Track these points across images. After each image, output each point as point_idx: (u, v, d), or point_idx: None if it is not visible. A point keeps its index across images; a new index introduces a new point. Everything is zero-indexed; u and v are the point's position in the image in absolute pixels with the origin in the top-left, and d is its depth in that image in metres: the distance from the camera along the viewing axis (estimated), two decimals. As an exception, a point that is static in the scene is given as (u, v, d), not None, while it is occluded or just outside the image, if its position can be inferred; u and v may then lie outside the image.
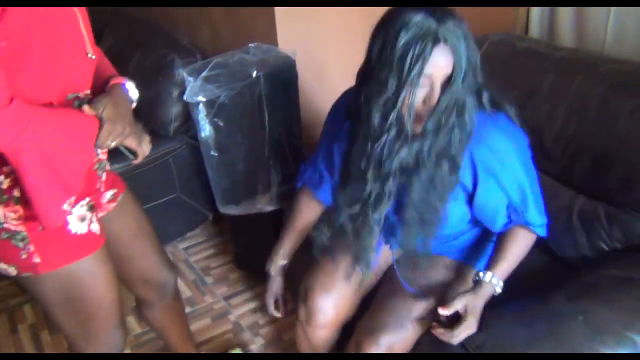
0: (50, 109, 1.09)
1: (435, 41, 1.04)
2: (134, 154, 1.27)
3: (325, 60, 2.21)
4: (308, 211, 1.55)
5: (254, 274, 2.34)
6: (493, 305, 1.27)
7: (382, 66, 1.07)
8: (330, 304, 1.45)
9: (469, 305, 1.23)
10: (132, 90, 1.29)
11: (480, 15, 2.16)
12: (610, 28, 1.75)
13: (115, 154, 1.26)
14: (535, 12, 1.93)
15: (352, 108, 1.23)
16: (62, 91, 1.13)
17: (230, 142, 1.99)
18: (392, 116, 1.09)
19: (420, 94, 1.08)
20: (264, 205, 2.08)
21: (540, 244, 1.39)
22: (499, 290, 1.27)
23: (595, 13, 1.76)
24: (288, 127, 2.04)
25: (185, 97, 1.92)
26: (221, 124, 1.93)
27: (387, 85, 1.07)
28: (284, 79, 1.97)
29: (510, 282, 1.29)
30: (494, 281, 1.26)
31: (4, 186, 1.10)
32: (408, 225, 1.27)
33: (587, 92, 1.51)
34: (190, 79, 1.91)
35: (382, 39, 1.08)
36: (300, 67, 2.02)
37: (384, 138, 1.12)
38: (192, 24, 2.65)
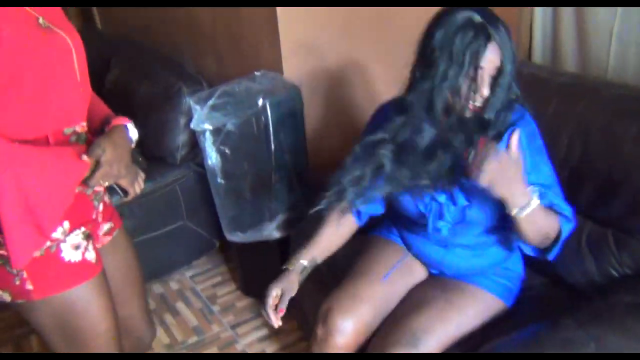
0: (40, 148, 1.10)
1: (488, 39, 1.18)
2: (126, 191, 1.30)
3: (330, 88, 2.23)
4: (341, 227, 1.52)
5: (261, 302, 2.32)
6: (503, 331, 1.26)
7: (442, 60, 1.20)
8: (350, 326, 1.45)
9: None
10: (132, 130, 1.31)
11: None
12: (613, 53, 1.76)
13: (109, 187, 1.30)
14: (538, 37, 1.95)
15: (407, 102, 1.31)
16: (57, 125, 1.15)
17: (236, 170, 2.00)
18: (454, 101, 1.23)
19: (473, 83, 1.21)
20: (271, 232, 2.08)
21: (548, 270, 1.38)
22: (533, 202, 1.20)
23: (597, 38, 1.79)
24: (294, 154, 2.05)
25: (192, 125, 1.94)
26: (228, 151, 1.95)
27: (447, 75, 1.20)
28: (290, 106, 1.99)
29: (519, 308, 1.28)
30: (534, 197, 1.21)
31: None
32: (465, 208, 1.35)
33: (591, 117, 1.52)
34: (197, 107, 1.93)
35: (440, 36, 1.20)
36: (306, 95, 2.04)
37: (447, 119, 1.26)
38: (198, 53, 2.69)
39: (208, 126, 1.90)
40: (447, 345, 1.36)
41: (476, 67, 1.19)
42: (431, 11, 1.27)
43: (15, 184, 1.04)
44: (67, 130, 1.17)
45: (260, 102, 1.90)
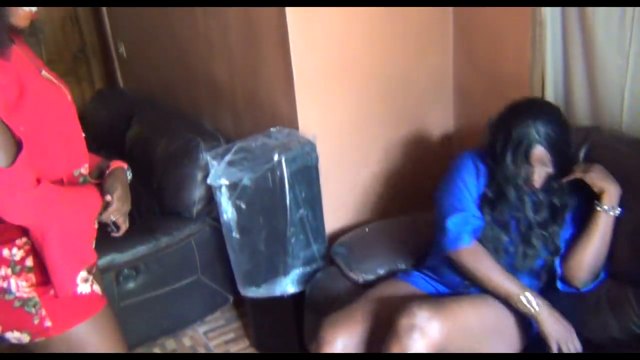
0: (68, 188, 1.20)
1: (537, 142, 1.47)
2: (118, 227, 1.37)
3: (345, 143, 2.26)
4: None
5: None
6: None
7: (505, 154, 1.52)
8: (339, 337, 1.54)
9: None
10: (129, 172, 1.41)
11: (497, 98, 2.22)
12: (626, 108, 1.77)
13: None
14: (550, 92, 1.97)
15: (499, 176, 1.58)
16: (69, 168, 1.23)
17: (252, 224, 2.01)
18: (516, 182, 1.54)
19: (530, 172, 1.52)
20: (285, 287, 2.06)
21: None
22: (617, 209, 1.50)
23: (610, 92, 1.80)
24: (309, 209, 2.06)
25: (208, 181, 1.97)
26: (243, 206, 1.97)
27: (510, 164, 1.53)
28: (305, 161, 2.02)
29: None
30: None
31: (17, 258, 1.16)
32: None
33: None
34: (214, 162, 1.97)
35: (502, 135, 1.54)
36: (321, 150, 2.07)
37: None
38: (216, 110, 2.76)
39: (224, 181, 1.93)
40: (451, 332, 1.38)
41: (528, 161, 1.50)
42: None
43: (57, 219, 1.13)
44: (76, 172, 1.25)
45: (275, 157, 1.93)
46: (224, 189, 1.95)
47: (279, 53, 2.11)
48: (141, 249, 2.23)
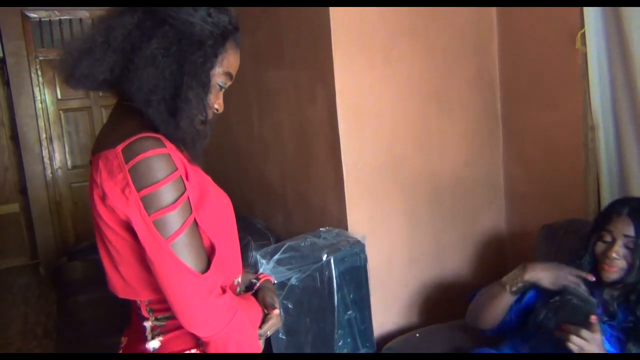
0: (241, 298, 1.13)
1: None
2: None
3: (394, 244, 2.25)
4: None
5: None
6: None
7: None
8: None
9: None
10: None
11: (551, 202, 2.19)
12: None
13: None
14: (606, 196, 1.93)
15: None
16: (233, 275, 1.18)
17: (299, 325, 1.97)
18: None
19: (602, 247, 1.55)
20: (332, 393, 1.98)
21: None
22: None
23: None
24: (358, 310, 2.01)
25: (257, 279, 1.97)
26: (290, 306, 1.94)
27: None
28: (353, 262, 2.00)
29: None
30: None
31: None
32: None
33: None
34: (264, 261, 1.98)
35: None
36: (370, 251, 2.06)
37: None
38: (269, 210, 2.81)
39: (273, 280, 1.92)
40: None
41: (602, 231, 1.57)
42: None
43: (238, 330, 1.05)
44: (236, 281, 1.20)
45: (324, 257, 1.92)
46: (272, 288, 1.94)
47: (329, 152, 2.17)
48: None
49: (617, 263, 1.50)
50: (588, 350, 1.34)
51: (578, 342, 1.35)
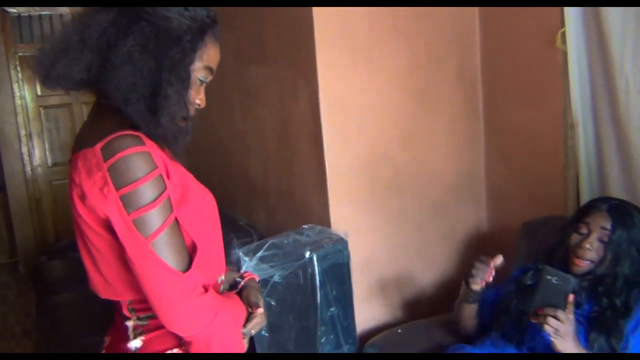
0: (224, 297, 1.11)
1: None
2: None
3: (377, 241, 2.25)
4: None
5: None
6: None
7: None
8: None
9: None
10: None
11: (531, 198, 2.21)
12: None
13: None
14: (585, 193, 1.95)
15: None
16: (216, 274, 1.16)
17: (281, 323, 1.97)
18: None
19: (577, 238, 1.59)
20: (314, 390, 1.98)
21: None
22: None
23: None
24: (340, 307, 2.02)
25: (239, 277, 1.96)
26: (273, 303, 1.94)
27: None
28: (336, 259, 2.00)
29: None
30: None
31: None
32: None
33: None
34: (246, 258, 1.97)
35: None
36: (353, 248, 2.06)
37: None
38: (251, 207, 2.80)
39: (255, 277, 1.92)
40: None
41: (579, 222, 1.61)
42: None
43: (220, 329, 1.04)
44: (220, 279, 1.18)
45: (307, 254, 1.92)
46: (254, 286, 1.93)
47: (312, 150, 2.17)
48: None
49: (588, 255, 1.54)
50: (563, 331, 1.37)
51: (554, 324, 1.37)
